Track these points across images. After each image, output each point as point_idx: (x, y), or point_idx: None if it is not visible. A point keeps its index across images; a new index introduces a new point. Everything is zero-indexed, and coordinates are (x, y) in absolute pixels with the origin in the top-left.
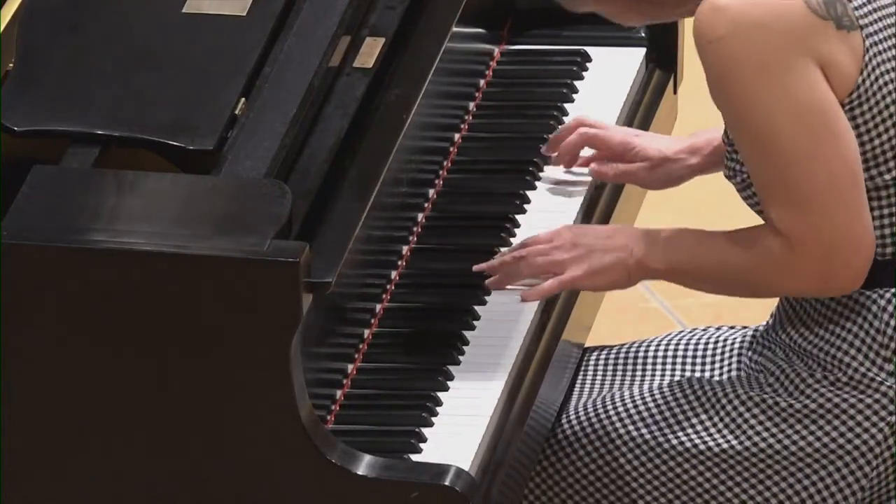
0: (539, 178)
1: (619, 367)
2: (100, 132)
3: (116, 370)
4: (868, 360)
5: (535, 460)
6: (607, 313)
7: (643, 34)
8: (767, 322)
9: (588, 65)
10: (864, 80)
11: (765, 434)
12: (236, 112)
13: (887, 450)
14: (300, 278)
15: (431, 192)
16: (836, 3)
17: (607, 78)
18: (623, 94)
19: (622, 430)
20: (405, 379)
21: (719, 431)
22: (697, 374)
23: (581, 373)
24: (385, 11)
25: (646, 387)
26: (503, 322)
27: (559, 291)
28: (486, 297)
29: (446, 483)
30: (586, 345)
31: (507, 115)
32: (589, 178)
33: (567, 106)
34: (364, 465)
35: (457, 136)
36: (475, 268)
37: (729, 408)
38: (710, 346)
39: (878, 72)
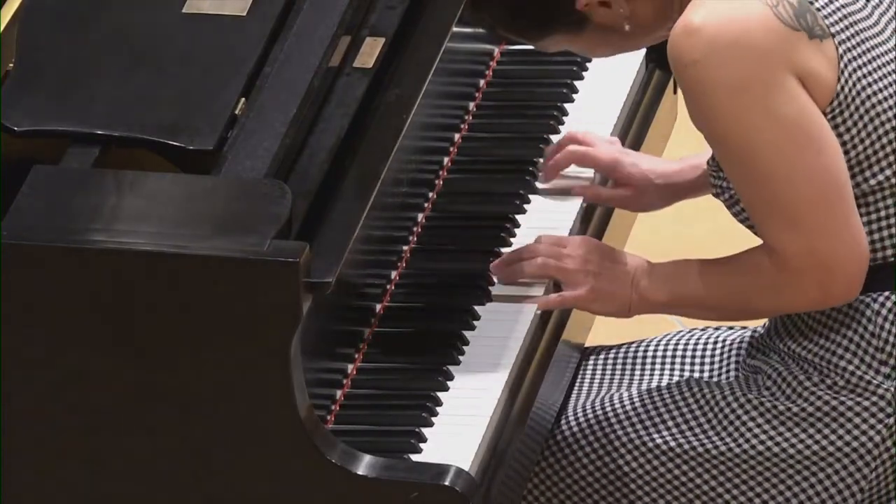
0: (539, 178)
1: (619, 368)
2: (100, 132)
3: (116, 370)
4: (864, 364)
5: (535, 460)
6: None
7: None
8: (764, 325)
9: (588, 65)
10: (842, 88)
11: (763, 437)
12: (236, 112)
13: (885, 452)
14: (300, 278)
15: (431, 192)
16: (805, 14)
17: (607, 78)
18: (623, 94)
19: (621, 432)
20: (405, 379)
21: (717, 434)
22: (696, 376)
23: (581, 373)
24: (385, 11)
25: (644, 388)
26: (503, 322)
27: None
28: (486, 298)
29: (446, 483)
30: (586, 345)
31: (507, 115)
32: (590, 178)
33: (567, 106)
34: (364, 465)
35: (457, 136)
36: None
37: (727, 410)
38: (709, 347)
39: (854, 77)
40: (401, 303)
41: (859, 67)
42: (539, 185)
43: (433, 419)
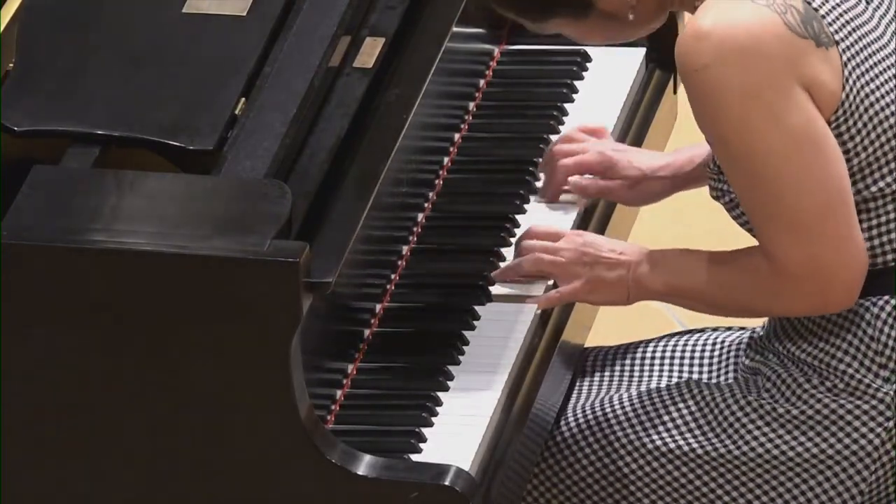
0: (539, 178)
1: (618, 369)
2: (100, 132)
3: (116, 370)
4: (864, 367)
5: (535, 460)
6: (607, 313)
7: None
8: (763, 326)
9: (588, 65)
10: (847, 96)
11: (763, 440)
12: (236, 112)
13: (885, 455)
14: (300, 278)
15: (431, 192)
16: (812, 21)
17: (607, 78)
18: (623, 94)
19: (621, 433)
20: (405, 379)
21: (717, 436)
22: (695, 377)
23: (581, 373)
24: (385, 11)
25: (644, 389)
26: (503, 322)
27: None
28: (486, 298)
29: (446, 483)
30: (586, 345)
31: (507, 115)
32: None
33: (567, 106)
34: (364, 465)
35: (457, 136)
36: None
37: (727, 413)
38: (708, 348)
39: (858, 85)
40: (401, 303)
41: (862, 75)
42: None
43: (433, 419)
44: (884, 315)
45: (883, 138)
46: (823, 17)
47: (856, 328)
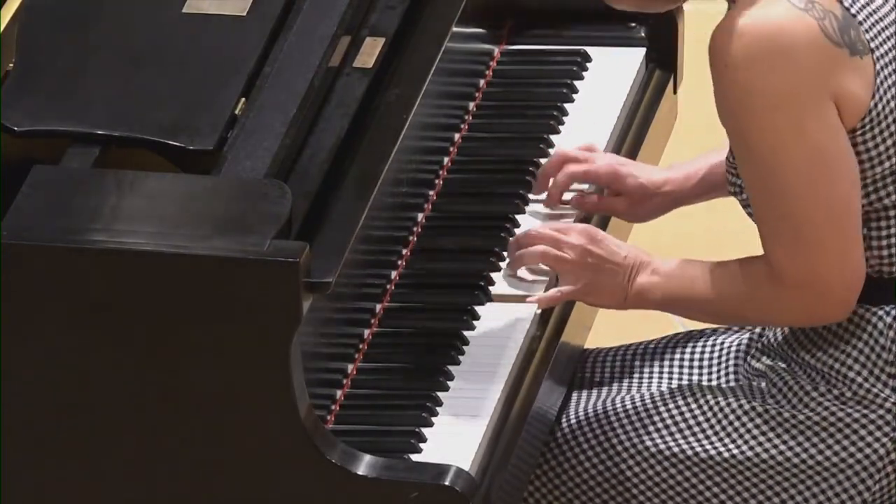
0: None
1: (619, 370)
2: (100, 132)
3: (116, 370)
4: (873, 376)
5: (536, 460)
6: (607, 313)
7: (643, 34)
8: (765, 328)
9: (588, 65)
10: (875, 105)
11: (767, 445)
12: (236, 112)
13: (890, 464)
14: (300, 278)
15: (431, 192)
16: (849, 29)
17: (607, 78)
18: (623, 94)
19: (624, 436)
20: (405, 379)
21: (721, 440)
22: (696, 379)
23: (581, 374)
24: (385, 11)
25: (646, 391)
26: (503, 322)
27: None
28: (486, 298)
29: (446, 483)
30: (586, 345)
31: (507, 115)
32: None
33: (567, 106)
34: (364, 465)
35: (457, 136)
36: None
37: (732, 417)
38: (708, 349)
39: (889, 94)
40: (401, 303)
41: (894, 85)
42: (534, 192)
43: (433, 419)
44: (895, 325)
45: None
46: (861, 23)
47: (868, 337)
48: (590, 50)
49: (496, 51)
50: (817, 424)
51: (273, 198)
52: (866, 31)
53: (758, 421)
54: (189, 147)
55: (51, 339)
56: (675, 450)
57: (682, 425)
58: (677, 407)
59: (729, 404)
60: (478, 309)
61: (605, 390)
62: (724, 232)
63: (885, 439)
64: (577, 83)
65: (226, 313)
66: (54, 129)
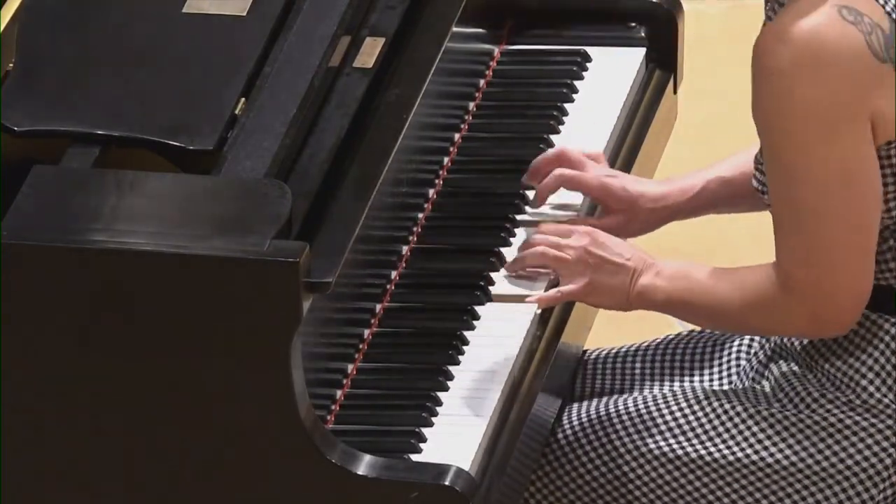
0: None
1: (619, 371)
2: (100, 132)
3: (116, 370)
4: (885, 386)
5: (536, 460)
6: (607, 314)
7: (643, 34)
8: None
9: (588, 65)
10: None
11: (772, 448)
12: (236, 112)
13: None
14: (300, 278)
15: (431, 192)
16: (894, 45)
17: (607, 78)
18: (623, 94)
19: (626, 438)
20: (405, 379)
21: (725, 443)
22: (697, 380)
23: (581, 374)
24: (385, 11)
25: (647, 393)
26: (503, 322)
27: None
28: (486, 298)
29: (446, 483)
30: (586, 345)
31: (507, 115)
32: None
33: (567, 106)
34: (364, 465)
35: (457, 136)
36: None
37: (737, 420)
38: (709, 350)
39: None
40: (401, 303)
41: None
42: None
43: (433, 419)
44: None
45: None
46: None
47: (879, 343)
48: (590, 50)
49: (496, 51)
50: (824, 430)
51: (273, 198)
52: None
53: (763, 424)
54: (189, 147)
55: (51, 339)
56: (679, 452)
57: (686, 428)
58: (680, 409)
59: (733, 407)
60: (478, 309)
61: (606, 392)
62: (723, 230)
63: (892, 449)
64: (577, 83)
65: (226, 313)
66: (54, 129)
